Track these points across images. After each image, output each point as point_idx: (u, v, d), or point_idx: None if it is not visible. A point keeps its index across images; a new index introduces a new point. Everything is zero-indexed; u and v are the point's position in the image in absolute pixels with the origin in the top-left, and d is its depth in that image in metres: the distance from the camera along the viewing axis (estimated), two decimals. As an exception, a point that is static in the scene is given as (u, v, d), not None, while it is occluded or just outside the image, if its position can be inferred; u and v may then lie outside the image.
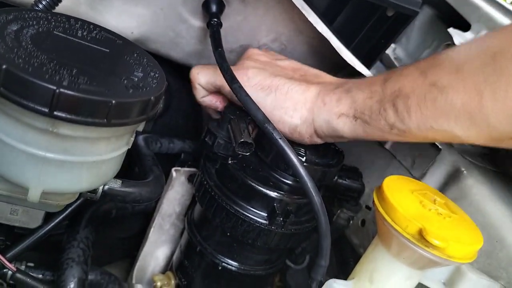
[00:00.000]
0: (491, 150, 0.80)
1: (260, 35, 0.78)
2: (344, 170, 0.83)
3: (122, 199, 0.63)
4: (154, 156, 0.75)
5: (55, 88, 0.34)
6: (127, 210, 0.84)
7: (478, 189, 0.68)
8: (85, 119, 0.36)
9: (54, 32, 0.42)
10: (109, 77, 0.40)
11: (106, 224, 0.85)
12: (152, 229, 0.85)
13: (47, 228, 0.66)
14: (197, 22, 0.74)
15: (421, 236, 0.53)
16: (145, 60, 0.46)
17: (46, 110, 0.35)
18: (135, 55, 0.46)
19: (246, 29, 0.76)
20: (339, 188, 0.82)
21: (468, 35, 0.84)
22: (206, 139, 0.75)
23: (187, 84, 0.97)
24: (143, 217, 0.91)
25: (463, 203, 0.68)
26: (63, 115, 0.35)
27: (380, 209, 0.57)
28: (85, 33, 0.45)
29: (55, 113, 0.35)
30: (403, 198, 0.57)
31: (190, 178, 0.85)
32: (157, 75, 0.44)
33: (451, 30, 0.81)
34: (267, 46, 0.81)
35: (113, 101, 0.36)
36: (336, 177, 0.80)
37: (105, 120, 0.37)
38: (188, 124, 0.96)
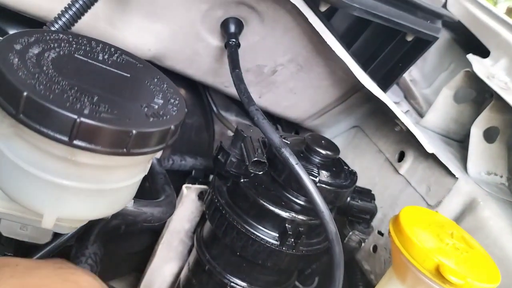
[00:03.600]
0: (508, 181, 0.79)
1: (277, 55, 0.78)
2: (357, 192, 0.82)
3: (134, 219, 0.62)
4: (166, 174, 0.74)
5: (76, 117, 0.33)
6: (136, 226, 0.83)
7: (495, 221, 0.67)
8: (104, 149, 0.36)
9: (75, 55, 0.42)
10: (129, 105, 0.39)
11: (115, 239, 0.84)
12: (160, 245, 0.84)
13: (56, 244, 0.65)
14: (214, 41, 0.73)
15: (438, 272, 0.51)
16: (165, 85, 0.46)
17: (66, 139, 0.34)
18: (156, 80, 0.46)
19: (263, 49, 0.76)
20: (352, 209, 0.81)
21: (487, 61, 0.83)
22: (218, 156, 0.75)
23: (200, 100, 0.97)
24: (152, 232, 0.90)
25: (480, 235, 0.66)
26: (83, 144, 0.35)
27: (397, 241, 0.56)
28: (106, 56, 0.44)
29: (75, 142, 0.34)
30: (420, 231, 0.56)
31: (201, 195, 0.84)
32: (177, 101, 0.44)
33: (470, 57, 0.80)
34: (283, 66, 0.80)
35: (134, 131, 0.36)
36: (348, 198, 0.79)
37: (125, 149, 0.36)
38: (201, 140, 0.96)
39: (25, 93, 0.33)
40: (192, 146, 0.93)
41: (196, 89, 0.97)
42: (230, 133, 1.06)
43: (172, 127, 0.40)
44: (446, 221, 0.62)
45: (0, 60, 0.35)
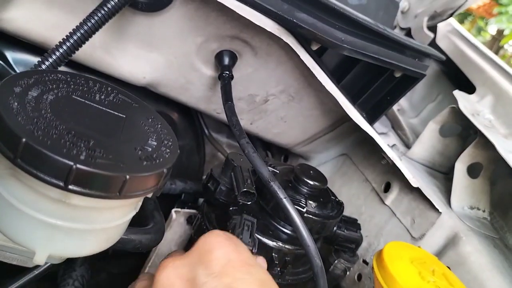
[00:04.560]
0: (490, 215, 0.81)
1: (269, 86, 0.79)
2: (343, 221, 0.84)
3: (122, 246, 0.63)
4: (156, 199, 0.75)
5: (72, 164, 0.35)
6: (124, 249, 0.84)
7: (476, 257, 0.68)
8: (98, 193, 0.37)
9: (73, 96, 0.43)
10: (124, 148, 0.40)
11: (102, 261, 0.85)
12: (147, 268, 0.85)
13: (45, 267, 0.65)
14: (208, 71, 0.75)
15: (418, 310, 0.53)
16: (159, 126, 0.47)
17: (62, 184, 0.35)
18: (150, 120, 0.47)
19: (256, 80, 0.78)
20: (338, 238, 0.83)
21: (473, 97, 0.85)
22: (208, 184, 0.76)
23: (191, 123, 0.99)
24: (139, 255, 0.90)
25: (461, 270, 0.68)
26: (78, 189, 0.36)
27: (380, 278, 0.57)
28: (102, 97, 0.46)
29: (70, 187, 0.36)
30: (402, 268, 0.58)
31: (189, 220, 0.85)
32: (170, 143, 0.45)
33: (456, 93, 0.82)
34: (274, 96, 0.82)
35: (127, 176, 0.37)
36: (335, 228, 0.81)
37: (118, 193, 0.38)
38: (191, 163, 0.97)
39: (23, 140, 0.34)
40: (183, 169, 0.95)
41: (188, 111, 0.98)
42: (221, 156, 1.08)
43: (165, 170, 0.41)
44: (428, 257, 0.63)
45: (0, 105, 0.36)
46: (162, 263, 0.43)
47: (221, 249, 0.42)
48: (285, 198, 0.61)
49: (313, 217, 0.70)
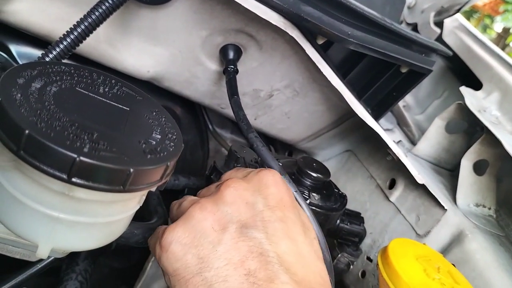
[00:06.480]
0: (496, 213, 0.80)
1: (274, 80, 0.79)
2: (346, 214, 0.83)
3: (126, 241, 0.63)
4: (159, 195, 0.75)
5: (75, 156, 0.34)
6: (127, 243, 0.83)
7: (482, 254, 0.68)
8: (102, 186, 0.36)
9: (77, 88, 0.43)
10: (128, 141, 0.40)
11: (105, 255, 0.84)
12: (150, 262, 0.85)
13: (48, 261, 0.65)
14: (213, 66, 0.74)
15: (424, 308, 0.52)
16: (163, 119, 0.46)
17: (65, 176, 0.35)
18: (154, 113, 0.46)
19: (261, 74, 0.77)
20: (341, 231, 0.82)
21: (480, 94, 0.85)
22: (212, 176, 0.75)
23: (195, 118, 0.98)
24: (142, 249, 0.90)
25: (466, 267, 0.67)
26: (81, 181, 0.36)
27: (384, 274, 0.57)
28: (106, 89, 0.45)
29: (73, 179, 0.35)
30: (407, 265, 0.57)
31: (192, 215, 0.85)
32: (174, 136, 0.44)
33: (462, 89, 0.81)
34: (279, 91, 0.81)
35: (131, 169, 0.37)
36: (338, 221, 0.80)
37: (122, 187, 0.37)
38: (195, 158, 0.96)
39: (26, 131, 0.34)
40: (186, 165, 0.94)
41: (192, 106, 0.98)
42: (225, 151, 1.07)
43: (169, 163, 0.41)
44: (434, 254, 0.63)
45: (3, 96, 0.36)
46: (226, 182, 0.49)
47: (276, 187, 0.50)
48: (296, 191, 0.60)
49: (316, 209, 0.70)
